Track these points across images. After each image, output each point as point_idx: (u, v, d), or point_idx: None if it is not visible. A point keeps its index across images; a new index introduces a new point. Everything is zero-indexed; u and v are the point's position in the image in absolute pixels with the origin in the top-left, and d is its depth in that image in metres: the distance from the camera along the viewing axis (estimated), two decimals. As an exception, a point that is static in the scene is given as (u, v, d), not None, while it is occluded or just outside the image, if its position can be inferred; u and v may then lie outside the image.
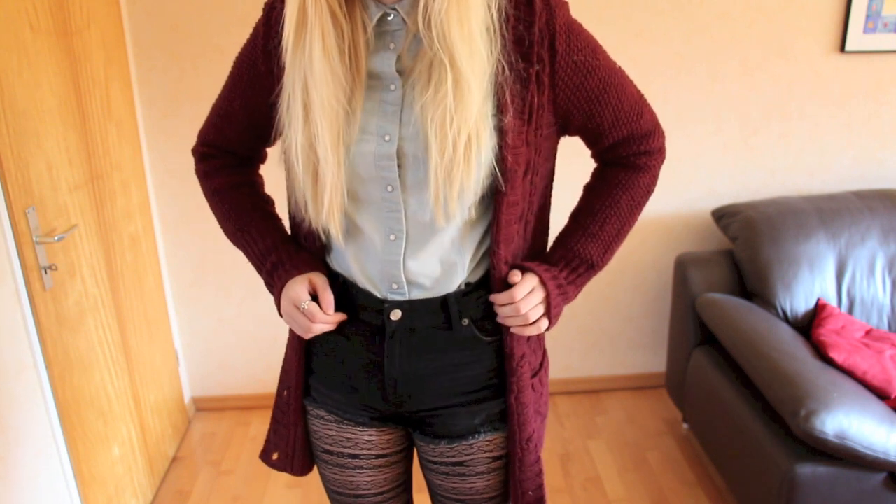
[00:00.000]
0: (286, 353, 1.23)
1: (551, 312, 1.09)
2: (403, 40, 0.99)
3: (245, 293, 2.67)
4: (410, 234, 1.04)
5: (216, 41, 2.38)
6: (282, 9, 1.01)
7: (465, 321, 1.10)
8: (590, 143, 1.13)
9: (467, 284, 1.09)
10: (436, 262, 1.06)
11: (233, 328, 2.72)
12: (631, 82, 1.09)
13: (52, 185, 1.78)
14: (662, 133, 1.14)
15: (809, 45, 2.48)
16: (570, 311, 2.78)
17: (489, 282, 1.09)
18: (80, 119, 1.94)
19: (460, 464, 1.18)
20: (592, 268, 1.13)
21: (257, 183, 1.24)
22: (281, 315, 1.15)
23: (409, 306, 1.08)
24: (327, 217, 1.02)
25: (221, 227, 1.21)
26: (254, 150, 1.21)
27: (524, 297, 1.06)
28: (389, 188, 1.02)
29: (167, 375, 2.53)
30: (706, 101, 2.53)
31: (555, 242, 1.16)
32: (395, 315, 1.08)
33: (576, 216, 1.16)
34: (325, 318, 1.09)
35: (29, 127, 1.68)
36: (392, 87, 1.00)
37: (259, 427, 2.71)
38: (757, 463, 1.88)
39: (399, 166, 1.00)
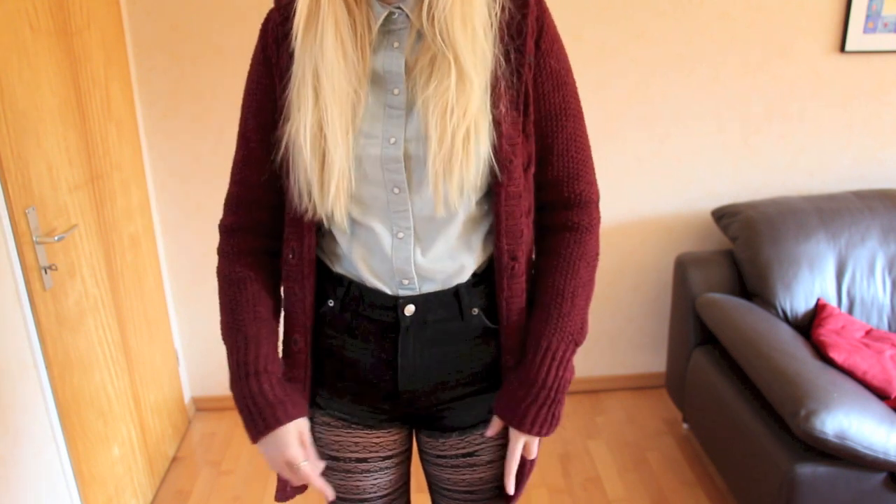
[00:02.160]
0: (290, 376, 1.15)
1: (542, 434, 1.09)
2: (407, 38, 1.00)
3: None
4: (418, 230, 1.05)
5: (216, 41, 2.38)
6: (277, 16, 1.04)
7: (475, 310, 1.11)
8: (539, 166, 1.10)
9: (475, 276, 1.10)
10: (445, 257, 1.07)
11: (233, 328, 2.72)
12: (587, 135, 1.10)
13: (52, 185, 1.78)
14: (598, 192, 1.13)
15: (809, 45, 2.48)
16: (570, 311, 2.78)
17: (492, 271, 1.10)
18: (80, 119, 1.94)
19: (471, 454, 1.19)
20: (577, 345, 1.10)
21: (272, 283, 1.15)
22: (252, 442, 1.07)
23: (422, 300, 1.08)
24: (333, 202, 1.01)
25: (222, 322, 1.12)
26: (279, 200, 1.11)
27: (518, 460, 1.12)
28: (396, 190, 1.02)
29: (167, 375, 2.53)
30: (706, 101, 2.53)
31: (531, 339, 1.09)
32: (409, 310, 1.08)
33: (541, 300, 1.11)
34: (319, 485, 1.07)
35: (29, 127, 1.68)
36: (396, 91, 1.01)
37: (259, 427, 2.71)
38: (757, 463, 1.88)
39: (405, 168, 1.01)
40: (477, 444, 1.18)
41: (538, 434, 1.08)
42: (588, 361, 2.86)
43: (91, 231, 1.98)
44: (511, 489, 1.13)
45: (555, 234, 1.12)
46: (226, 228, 1.14)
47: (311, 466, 1.06)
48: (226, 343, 1.09)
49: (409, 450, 1.27)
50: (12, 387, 1.61)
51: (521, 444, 1.10)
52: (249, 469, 2.47)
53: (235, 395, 1.06)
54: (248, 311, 1.09)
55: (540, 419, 1.07)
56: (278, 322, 1.15)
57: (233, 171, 1.12)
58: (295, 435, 1.05)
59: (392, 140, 1.01)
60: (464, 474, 1.21)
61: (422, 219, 1.05)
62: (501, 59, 1.00)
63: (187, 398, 2.77)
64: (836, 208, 2.31)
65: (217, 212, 2.52)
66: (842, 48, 2.48)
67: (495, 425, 1.12)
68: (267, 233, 1.14)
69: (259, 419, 1.04)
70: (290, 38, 1.01)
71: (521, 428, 1.07)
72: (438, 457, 1.21)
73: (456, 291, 1.09)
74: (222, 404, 2.82)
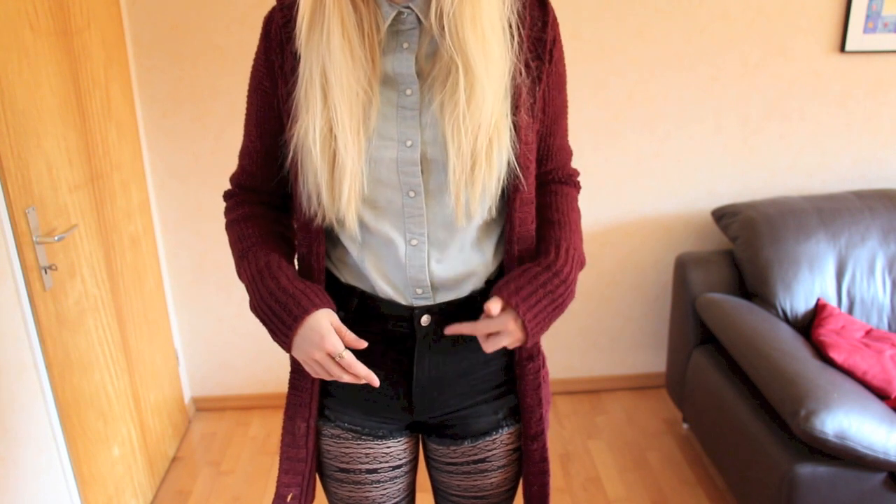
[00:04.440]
0: (297, 385, 1.13)
1: (530, 333, 1.02)
2: (418, 40, 0.99)
3: (245, 293, 2.67)
4: (432, 238, 1.03)
5: (216, 41, 2.38)
6: (279, 18, 1.02)
7: None
8: (539, 162, 1.13)
9: (487, 282, 1.09)
10: (459, 264, 1.06)
11: (233, 328, 2.72)
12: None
13: (52, 185, 1.78)
14: (577, 171, 1.23)
15: (809, 45, 2.48)
16: (571, 311, 2.77)
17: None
18: (80, 119, 1.94)
19: (483, 460, 1.18)
20: (581, 266, 1.09)
21: (279, 220, 1.15)
22: (287, 349, 1.01)
23: (437, 310, 1.06)
24: (346, 206, 0.98)
25: (234, 264, 1.11)
26: (281, 187, 1.14)
27: (499, 334, 1.02)
28: (412, 194, 1.00)
29: (167, 375, 2.53)
30: (706, 100, 2.53)
31: (548, 245, 1.08)
32: (426, 320, 1.06)
33: (548, 222, 1.12)
34: (364, 373, 1.00)
35: (29, 127, 1.68)
36: (408, 91, 0.99)
37: (259, 427, 2.71)
38: (757, 463, 1.88)
39: (422, 171, 1.00)
40: (489, 451, 1.17)
41: (525, 319, 0.98)
42: (588, 361, 2.86)
43: (91, 231, 1.98)
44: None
45: (548, 185, 1.16)
46: (230, 194, 1.18)
47: (353, 358, 0.99)
48: (243, 276, 1.06)
49: (417, 458, 1.26)
50: (12, 387, 1.61)
51: (498, 322, 0.99)
52: (249, 469, 2.47)
53: (258, 307, 1.01)
54: (259, 234, 1.09)
55: (538, 307, 0.99)
56: (292, 256, 1.12)
57: (239, 154, 1.16)
58: (327, 323, 0.98)
59: (409, 143, 0.99)
60: (475, 480, 1.20)
61: (436, 225, 1.03)
62: (522, 67, 0.99)
63: (187, 398, 2.77)
64: (836, 208, 2.31)
65: (217, 211, 2.52)
66: (842, 48, 2.48)
67: (490, 303, 0.99)
68: (269, 200, 1.17)
69: (285, 315, 0.98)
70: (293, 40, 0.99)
71: (518, 307, 0.98)
72: (449, 464, 1.20)
73: (470, 301, 1.08)
74: (222, 404, 2.82)
